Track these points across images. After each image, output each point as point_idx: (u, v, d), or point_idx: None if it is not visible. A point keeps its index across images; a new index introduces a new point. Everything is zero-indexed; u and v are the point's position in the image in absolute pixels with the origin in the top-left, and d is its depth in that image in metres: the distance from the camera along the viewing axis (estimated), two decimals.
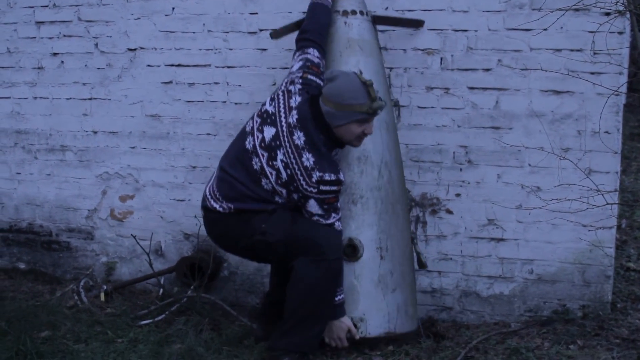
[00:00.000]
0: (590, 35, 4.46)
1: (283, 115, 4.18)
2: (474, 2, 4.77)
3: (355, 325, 4.37)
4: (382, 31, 4.79)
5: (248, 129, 4.31)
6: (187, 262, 5.39)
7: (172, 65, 5.45)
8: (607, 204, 4.43)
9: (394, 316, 4.48)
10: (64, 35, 5.69)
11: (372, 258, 4.46)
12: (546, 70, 4.55)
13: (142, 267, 5.65)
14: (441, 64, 4.87)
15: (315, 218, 4.21)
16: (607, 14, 4.40)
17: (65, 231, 5.91)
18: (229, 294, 5.47)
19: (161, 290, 5.46)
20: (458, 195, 4.94)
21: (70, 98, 5.73)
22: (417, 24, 4.83)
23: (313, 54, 4.46)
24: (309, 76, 4.32)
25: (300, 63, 4.42)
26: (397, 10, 4.87)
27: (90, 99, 5.68)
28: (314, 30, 4.53)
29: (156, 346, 4.58)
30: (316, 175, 4.05)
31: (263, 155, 4.18)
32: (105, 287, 5.53)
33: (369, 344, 4.48)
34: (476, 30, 4.79)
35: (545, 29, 4.58)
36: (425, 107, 4.92)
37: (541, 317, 4.84)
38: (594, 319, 4.69)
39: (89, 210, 5.81)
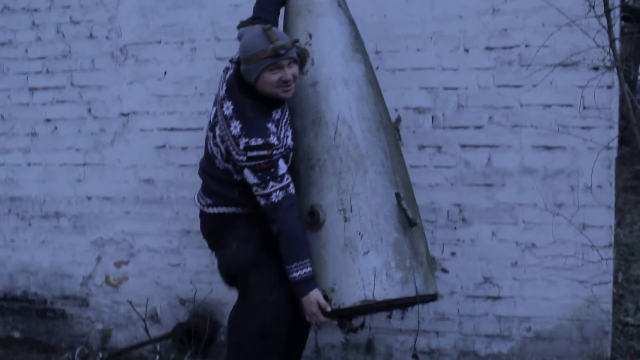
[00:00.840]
0: (579, 90, 4.49)
1: (220, 91, 4.15)
2: (464, 59, 4.79)
3: (326, 297, 3.92)
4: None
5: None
6: (183, 327, 5.33)
7: (165, 129, 5.45)
8: (602, 259, 4.41)
9: (369, 282, 3.88)
10: (57, 101, 5.69)
11: (335, 222, 3.98)
12: (537, 127, 4.56)
13: (138, 333, 5.57)
14: (432, 122, 4.87)
15: (254, 189, 3.98)
16: (596, 69, 4.42)
17: (60, 298, 5.84)
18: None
19: (157, 357, 5.39)
20: (453, 254, 4.91)
21: (64, 164, 5.71)
22: None
23: None
24: None
25: None
26: (387, 70, 4.89)
27: (83, 164, 5.66)
28: (260, 10, 4.39)
29: None
30: (243, 142, 3.91)
31: (210, 137, 4.16)
32: (101, 356, 5.48)
33: (345, 315, 4.06)
34: (466, 88, 4.80)
35: (534, 85, 4.61)
36: (418, 166, 4.90)
37: None
38: None
39: (83, 276, 5.75)
